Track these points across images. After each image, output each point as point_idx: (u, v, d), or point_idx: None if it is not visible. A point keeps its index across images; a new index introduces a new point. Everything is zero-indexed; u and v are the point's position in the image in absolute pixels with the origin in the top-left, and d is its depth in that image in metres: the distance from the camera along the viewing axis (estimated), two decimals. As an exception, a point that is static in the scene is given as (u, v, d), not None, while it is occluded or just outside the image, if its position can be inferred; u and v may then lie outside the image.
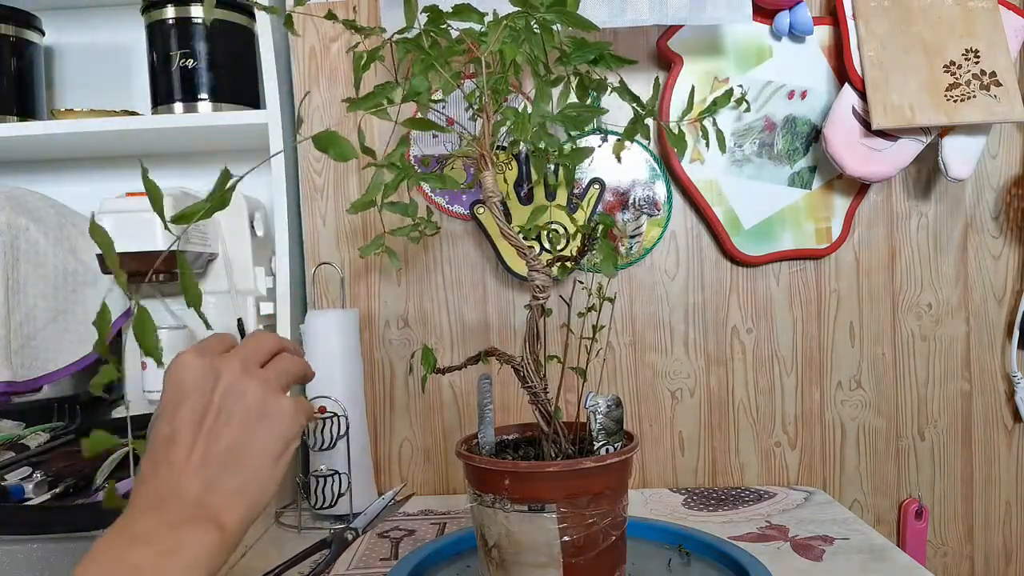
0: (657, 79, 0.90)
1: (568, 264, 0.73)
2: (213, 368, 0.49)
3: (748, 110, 1.03)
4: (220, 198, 0.49)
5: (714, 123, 0.95)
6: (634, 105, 0.79)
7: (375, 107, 0.66)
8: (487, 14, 0.68)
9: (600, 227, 0.70)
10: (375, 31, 0.73)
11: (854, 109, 0.99)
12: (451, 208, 1.06)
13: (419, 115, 0.70)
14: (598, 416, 0.67)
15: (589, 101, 0.75)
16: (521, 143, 0.71)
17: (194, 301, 0.49)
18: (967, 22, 0.98)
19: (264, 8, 0.72)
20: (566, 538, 0.62)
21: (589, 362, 0.74)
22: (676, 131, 0.94)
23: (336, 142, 0.50)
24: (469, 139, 0.68)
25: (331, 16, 0.70)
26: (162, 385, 0.49)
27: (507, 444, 0.74)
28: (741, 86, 1.02)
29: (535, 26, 0.65)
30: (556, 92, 0.76)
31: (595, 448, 0.67)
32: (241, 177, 0.51)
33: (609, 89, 0.77)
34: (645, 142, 1.06)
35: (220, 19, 1.04)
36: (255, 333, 0.55)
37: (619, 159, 1.05)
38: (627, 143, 1.04)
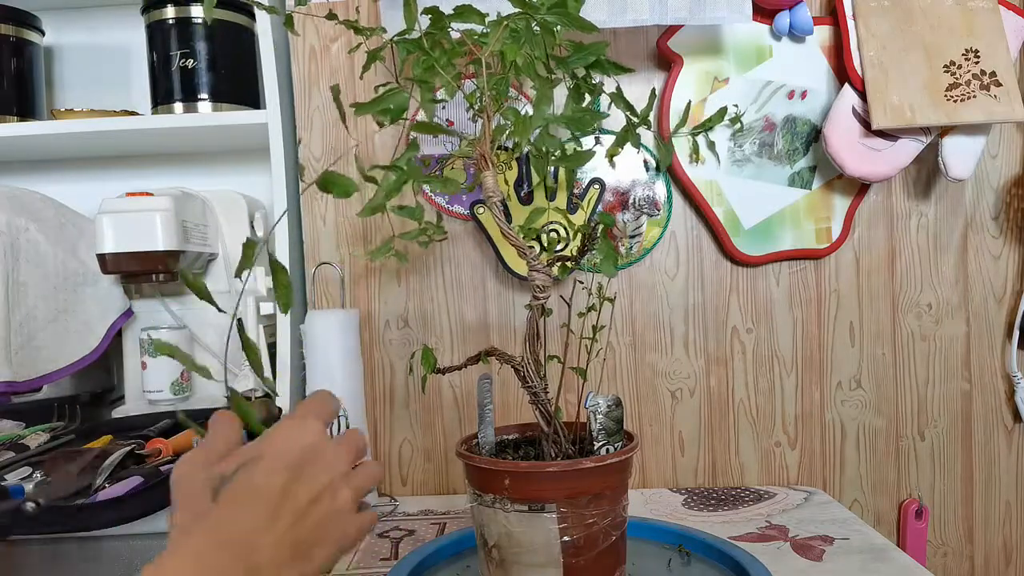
0: (654, 90, 0.90)
1: (568, 264, 0.73)
2: (326, 455, 0.48)
3: (741, 130, 1.03)
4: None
5: (707, 138, 0.96)
6: (627, 114, 0.79)
7: (381, 111, 0.66)
8: (488, 15, 0.67)
9: (600, 227, 0.70)
10: (376, 31, 0.72)
11: (854, 109, 0.99)
12: (451, 208, 1.06)
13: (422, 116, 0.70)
14: (598, 416, 0.67)
15: (585, 104, 0.75)
16: (524, 144, 0.71)
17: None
18: (967, 22, 0.98)
19: (264, 7, 0.72)
20: (566, 538, 0.62)
21: (589, 362, 0.74)
22: (670, 142, 0.95)
23: (336, 181, 0.53)
24: (470, 140, 0.68)
25: (332, 16, 0.70)
26: (280, 430, 0.48)
27: (507, 444, 0.74)
28: (736, 106, 1.02)
29: (535, 27, 0.65)
30: (558, 95, 0.76)
31: (595, 448, 0.67)
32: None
33: (605, 96, 0.77)
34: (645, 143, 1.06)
35: (220, 19, 1.04)
36: (354, 431, 0.54)
37: (612, 164, 1.05)
38: (619, 147, 1.04)
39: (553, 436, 0.69)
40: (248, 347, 0.52)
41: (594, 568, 0.64)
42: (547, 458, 0.68)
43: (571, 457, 0.68)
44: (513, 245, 0.66)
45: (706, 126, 1.00)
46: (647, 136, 1.06)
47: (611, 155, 1.05)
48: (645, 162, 1.06)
